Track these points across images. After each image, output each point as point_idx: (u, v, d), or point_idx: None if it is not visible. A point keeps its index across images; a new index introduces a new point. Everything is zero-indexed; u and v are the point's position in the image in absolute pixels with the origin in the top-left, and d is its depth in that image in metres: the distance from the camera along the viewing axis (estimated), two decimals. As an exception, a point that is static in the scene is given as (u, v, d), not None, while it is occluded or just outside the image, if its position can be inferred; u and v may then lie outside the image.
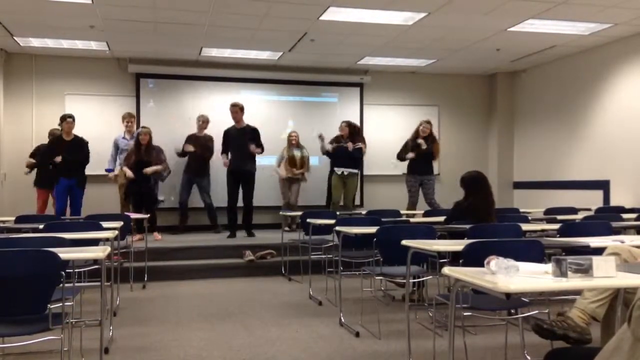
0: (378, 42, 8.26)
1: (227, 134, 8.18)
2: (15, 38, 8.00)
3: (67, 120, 7.43)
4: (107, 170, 8.16)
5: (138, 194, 7.70)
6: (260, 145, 8.10)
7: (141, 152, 7.69)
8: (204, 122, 8.72)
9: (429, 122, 8.30)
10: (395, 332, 4.24)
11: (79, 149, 7.48)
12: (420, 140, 8.11)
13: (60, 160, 7.34)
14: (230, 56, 9.09)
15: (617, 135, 8.16)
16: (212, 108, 9.55)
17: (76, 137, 7.55)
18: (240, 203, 8.20)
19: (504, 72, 10.46)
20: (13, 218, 5.61)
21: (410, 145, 8.22)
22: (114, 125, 8.68)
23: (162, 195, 8.43)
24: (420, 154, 8.12)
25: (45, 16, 7.00)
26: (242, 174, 8.05)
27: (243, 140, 8.00)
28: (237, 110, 8.13)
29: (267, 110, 9.49)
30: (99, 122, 8.83)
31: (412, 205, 8.19)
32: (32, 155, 8.02)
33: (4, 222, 5.64)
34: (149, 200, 7.78)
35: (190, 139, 8.63)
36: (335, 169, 8.50)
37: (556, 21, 7.23)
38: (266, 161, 9.00)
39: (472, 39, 8.12)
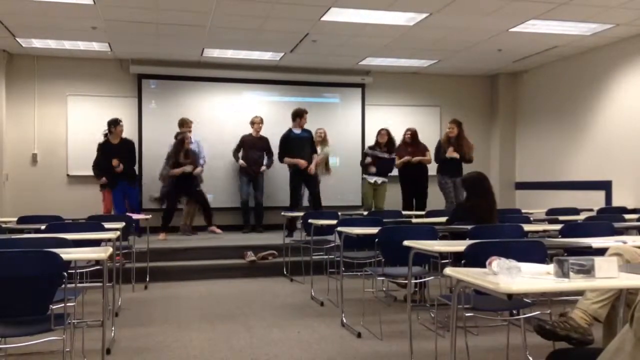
0: (380, 42, 8.26)
1: (288, 138, 8.36)
2: (17, 39, 8.01)
3: (119, 124, 7.86)
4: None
5: (186, 194, 8.31)
6: (315, 149, 8.57)
7: (181, 155, 8.13)
8: (260, 123, 8.91)
9: (452, 122, 8.14)
10: (397, 332, 4.24)
11: (127, 151, 7.93)
12: (449, 155, 7.93)
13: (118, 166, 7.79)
14: (232, 57, 9.09)
15: (620, 135, 8.14)
16: (214, 109, 9.58)
17: (123, 139, 7.93)
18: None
19: (506, 73, 10.45)
20: (15, 219, 5.62)
21: (444, 148, 8.02)
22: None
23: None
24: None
25: (47, 17, 7.01)
26: (306, 174, 8.33)
27: (303, 142, 8.35)
28: (305, 117, 8.50)
29: (268, 111, 9.48)
30: (101, 123, 8.82)
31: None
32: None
33: (6, 222, 5.64)
34: (201, 197, 8.31)
35: (246, 139, 8.88)
36: (367, 177, 8.56)
37: (558, 22, 7.22)
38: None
39: (474, 40, 8.11)
